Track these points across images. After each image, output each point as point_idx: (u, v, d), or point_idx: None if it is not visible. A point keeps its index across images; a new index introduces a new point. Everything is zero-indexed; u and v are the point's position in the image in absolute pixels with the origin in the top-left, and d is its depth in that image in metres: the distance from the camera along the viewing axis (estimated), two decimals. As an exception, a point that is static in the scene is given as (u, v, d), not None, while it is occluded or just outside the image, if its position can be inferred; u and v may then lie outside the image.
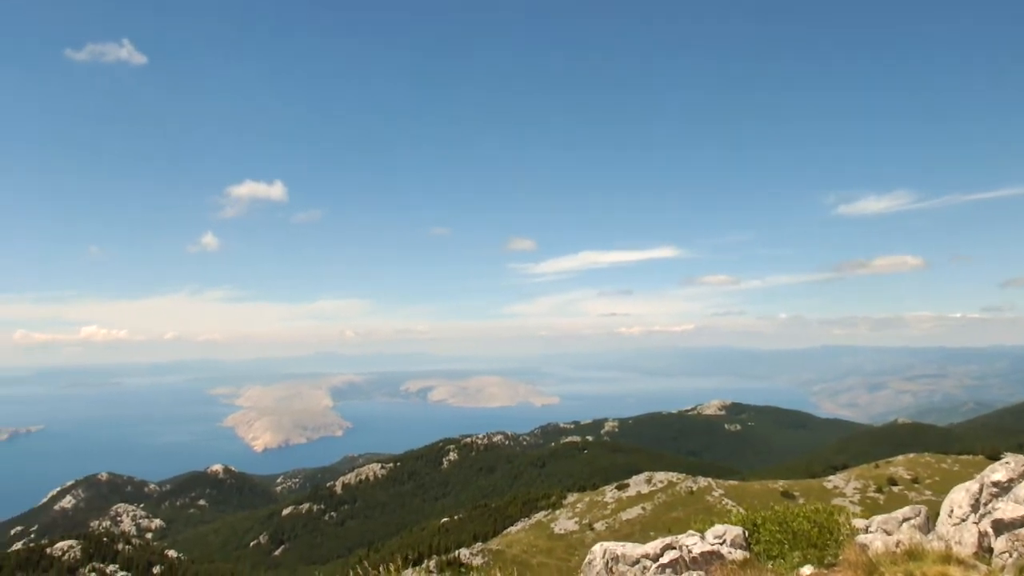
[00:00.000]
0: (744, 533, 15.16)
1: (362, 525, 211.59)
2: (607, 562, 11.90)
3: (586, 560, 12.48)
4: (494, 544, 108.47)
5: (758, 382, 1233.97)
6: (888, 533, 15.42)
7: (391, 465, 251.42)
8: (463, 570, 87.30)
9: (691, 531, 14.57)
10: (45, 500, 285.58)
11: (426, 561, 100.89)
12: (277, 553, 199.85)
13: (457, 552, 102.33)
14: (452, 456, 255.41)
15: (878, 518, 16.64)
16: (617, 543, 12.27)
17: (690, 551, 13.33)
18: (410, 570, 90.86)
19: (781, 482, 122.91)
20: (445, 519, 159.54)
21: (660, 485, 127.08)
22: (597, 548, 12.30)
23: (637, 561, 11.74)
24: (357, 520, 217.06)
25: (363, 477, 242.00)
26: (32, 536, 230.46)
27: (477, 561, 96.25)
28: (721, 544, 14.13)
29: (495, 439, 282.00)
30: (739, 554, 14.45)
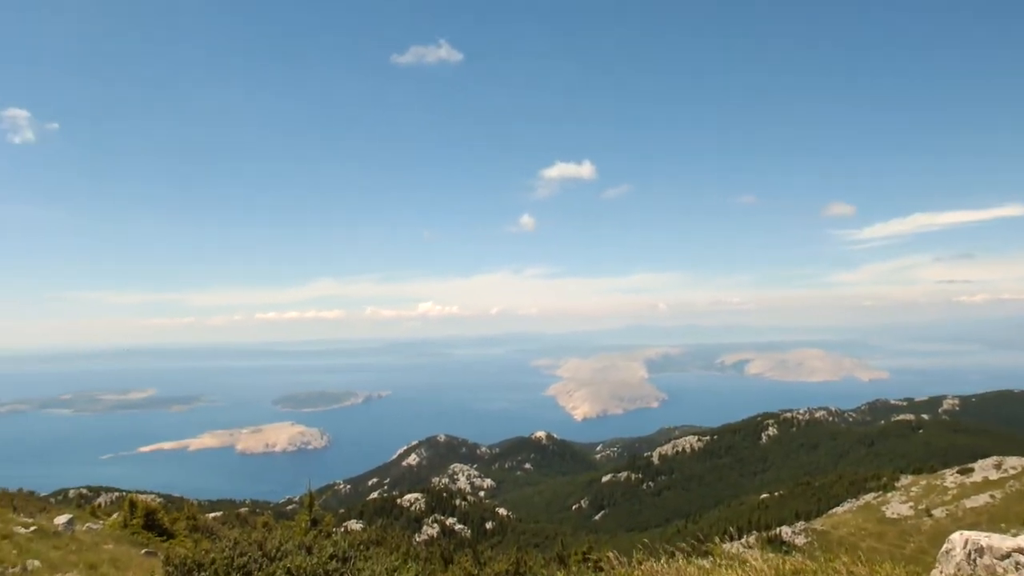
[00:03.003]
0: None
1: (679, 496, 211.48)
2: (969, 553, 10.17)
3: (943, 549, 10.79)
4: (818, 524, 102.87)
5: None
6: None
7: (707, 438, 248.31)
8: (785, 548, 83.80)
9: (1075, 525, 12.16)
10: (395, 457, 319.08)
11: (745, 536, 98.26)
12: (597, 518, 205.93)
13: (778, 529, 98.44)
14: (771, 431, 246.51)
15: None
16: (981, 533, 10.45)
17: (1077, 548, 11.05)
18: (729, 544, 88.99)
19: None
20: (765, 495, 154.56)
21: (1012, 472, 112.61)
22: (957, 537, 10.56)
23: (1008, 555, 9.88)
24: (674, 491, 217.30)
25: (679, 449, 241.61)
26: (385, 487, 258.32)
27: (799, 540, 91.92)
28: (1117, 543, 11.61)
29: (817, 415, 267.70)
30: None
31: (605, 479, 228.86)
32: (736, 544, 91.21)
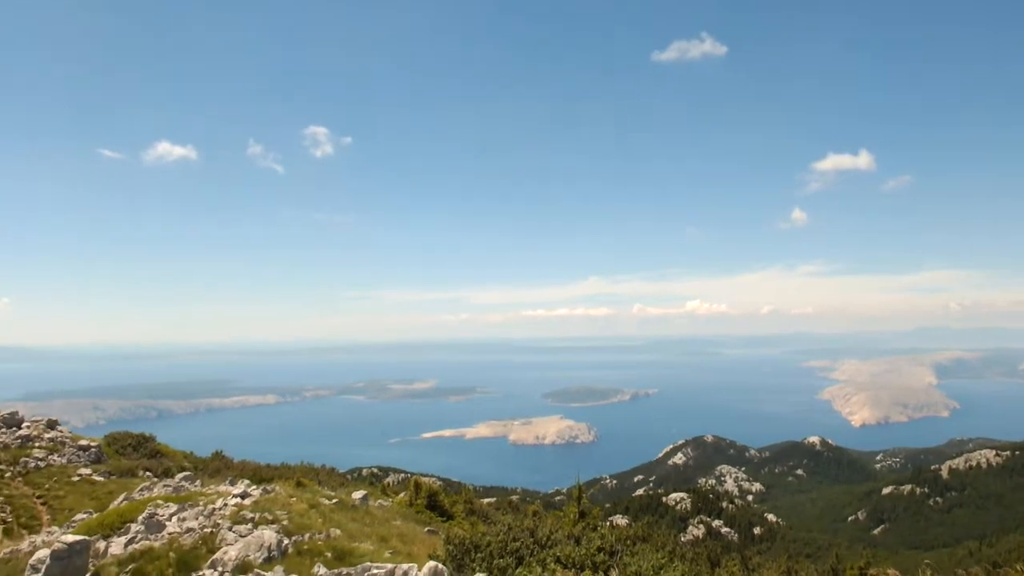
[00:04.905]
0: None
1: (972, 516, 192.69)
2: None
3: None
4: None
5: None
6: None
7: (1008, 453, 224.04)
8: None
9: None
10: (661, 455, 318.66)
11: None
12: (876, 532, 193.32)
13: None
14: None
15: None
16: None
17: None
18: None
19: None
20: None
21: None
22: None
23: None
24: (966, 509, 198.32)
25: (973, 463, 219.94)
26: (651, 485, 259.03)
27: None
28: None
29: None
30: None
31: (886, 491, 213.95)
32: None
